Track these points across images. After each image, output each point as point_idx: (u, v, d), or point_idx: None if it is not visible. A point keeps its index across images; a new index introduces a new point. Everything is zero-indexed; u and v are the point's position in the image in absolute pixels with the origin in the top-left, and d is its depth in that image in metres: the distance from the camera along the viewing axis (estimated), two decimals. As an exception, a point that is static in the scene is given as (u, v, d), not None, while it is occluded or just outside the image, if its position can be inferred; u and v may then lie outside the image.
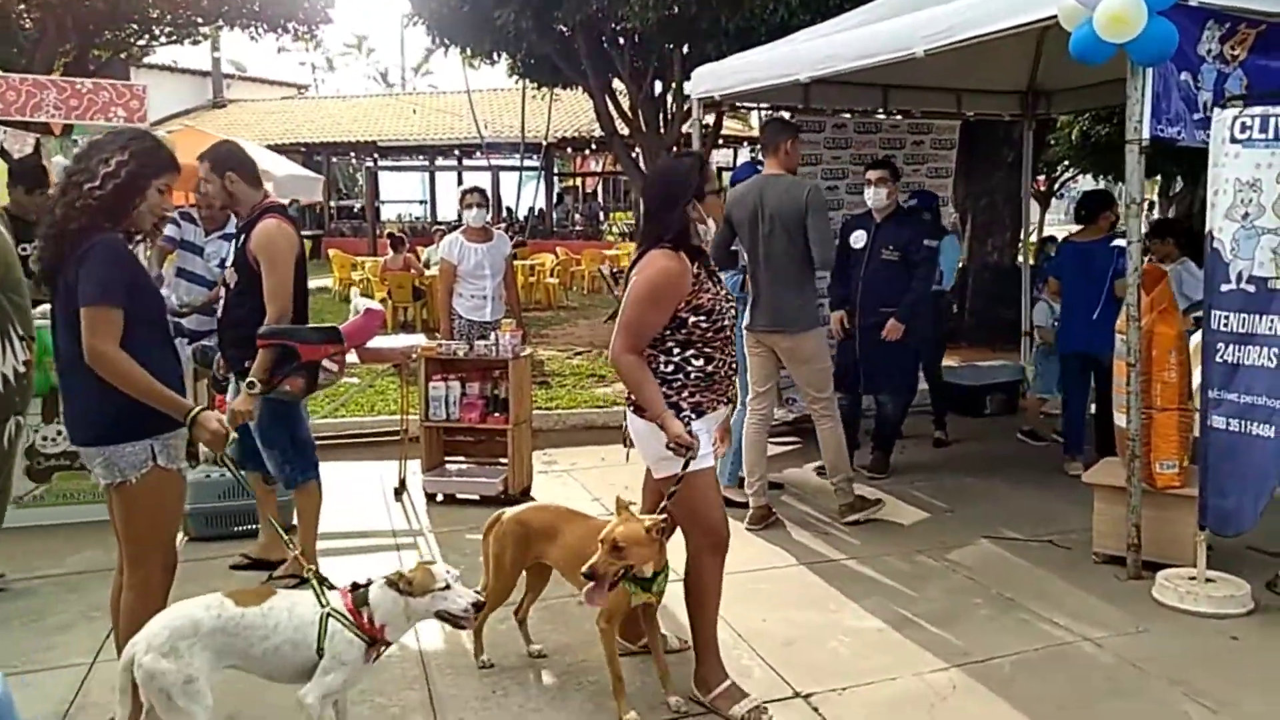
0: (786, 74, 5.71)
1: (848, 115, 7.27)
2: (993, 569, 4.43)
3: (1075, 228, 6.80)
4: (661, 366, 3.06)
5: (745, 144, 19.38)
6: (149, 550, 2.87)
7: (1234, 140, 3.67)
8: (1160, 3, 3.74)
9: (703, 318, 3.04)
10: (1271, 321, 3.66)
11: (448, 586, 2.65)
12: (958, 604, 4.03)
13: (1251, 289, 3.71)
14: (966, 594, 4.14)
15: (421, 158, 27.61)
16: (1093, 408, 5.87)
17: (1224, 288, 3.79)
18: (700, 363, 3.07)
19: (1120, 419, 4.41)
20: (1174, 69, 3.98)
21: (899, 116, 7.59)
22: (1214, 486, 3.92)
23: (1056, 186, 22.24)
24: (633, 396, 3.11)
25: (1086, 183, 22.10)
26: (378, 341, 5.06)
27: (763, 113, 8.17)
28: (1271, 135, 3.59)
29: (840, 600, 4.10)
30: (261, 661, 2.60)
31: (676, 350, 3.06)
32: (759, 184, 4.96)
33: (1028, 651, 3.56)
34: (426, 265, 13.05)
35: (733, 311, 3.20)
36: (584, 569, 2.86)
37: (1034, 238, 13.09)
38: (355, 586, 2.68)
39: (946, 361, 7.47)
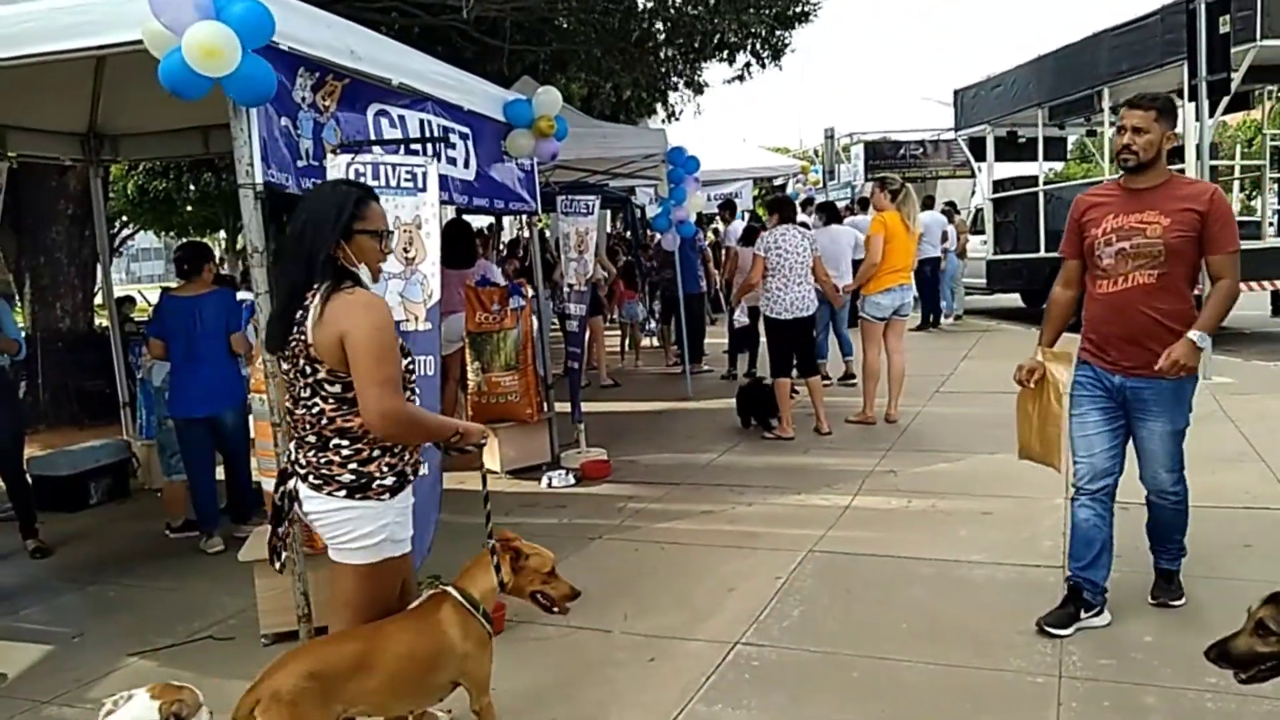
0: None
1: None
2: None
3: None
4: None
5: None
6: None
7: (350, 187, 3.63)
8: (253, 40, 3.50)
9: (406, 359, 2.72)
10: (418, 362, 3.73)
11: None
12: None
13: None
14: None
15: None
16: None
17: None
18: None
19: (269, 483, 4.07)
20: (275, 114, 3.79)
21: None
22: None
23: (116, 244, 21.04)
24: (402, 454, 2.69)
25: (147, 239, 21.36)
26: None
27: None
28: (384, 182, 3.66)
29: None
30: None
31: None
32: None
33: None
34: None
35: None
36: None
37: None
38: None
39: (29, 451, 6.18)
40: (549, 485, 6.24)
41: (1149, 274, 3.50)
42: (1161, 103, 3.49)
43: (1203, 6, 8.48)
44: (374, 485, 2.61)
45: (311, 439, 2.63)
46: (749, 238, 10.07)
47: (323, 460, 2.61)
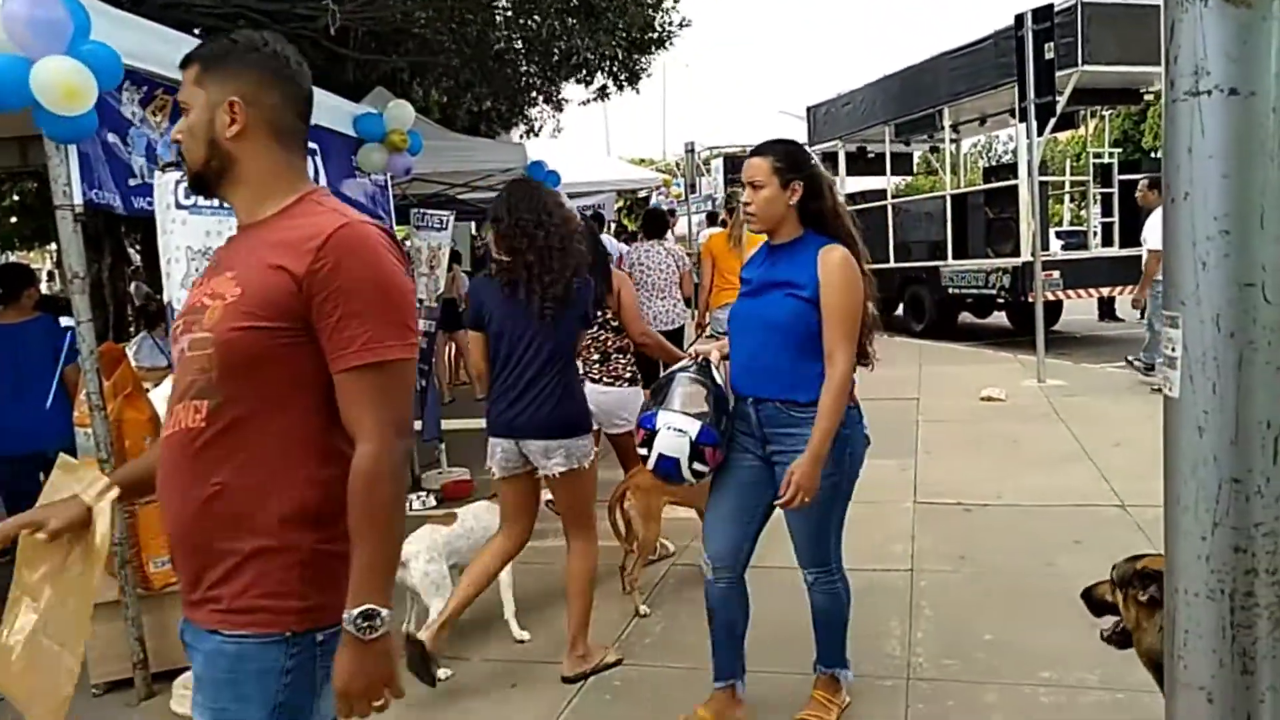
0: None
1: None
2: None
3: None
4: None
5: None
6: (589, 517, 3.70)
7: (180, 206, 3.46)
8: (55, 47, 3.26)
9: None
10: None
11: None
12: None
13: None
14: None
15: None
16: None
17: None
18: None
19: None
20: (102, 130, 3.56)
21: None
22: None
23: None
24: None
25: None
26: None
27: None
28: (218, 202, 3.48)
29: None
30: (468, 553, 3.87)
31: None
32: None
33: None
34: None
35: None
36: None
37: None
38: None
39: None
40: (409, 508, 6.08)
41: (197, 409, 1.59)
42: None
43: (1030, 34, 9.05)
44: (638, 378, 4.61)
45: (596, 356, 4.55)
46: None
47: (609, 368, 4.57)
